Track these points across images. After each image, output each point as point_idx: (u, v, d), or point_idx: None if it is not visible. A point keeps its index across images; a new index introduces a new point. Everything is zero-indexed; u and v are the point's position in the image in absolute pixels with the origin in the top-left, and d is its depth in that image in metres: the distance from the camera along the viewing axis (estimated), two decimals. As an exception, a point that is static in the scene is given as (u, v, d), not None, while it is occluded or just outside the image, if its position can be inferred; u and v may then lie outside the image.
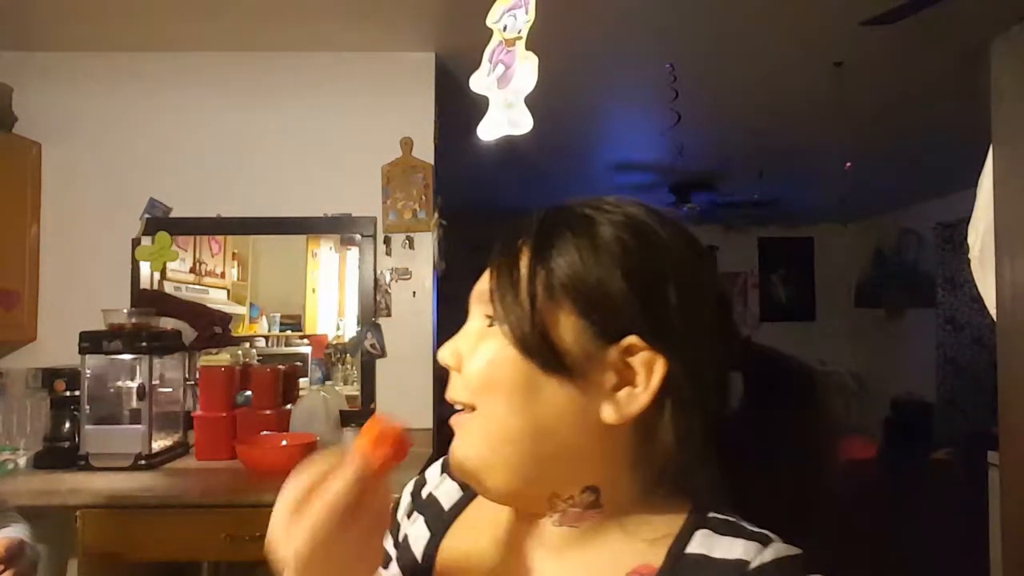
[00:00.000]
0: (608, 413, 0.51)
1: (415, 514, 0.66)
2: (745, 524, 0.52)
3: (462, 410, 0.55)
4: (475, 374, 0.53)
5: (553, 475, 0.53)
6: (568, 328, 0.51)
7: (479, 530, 0.60)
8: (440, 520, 0.64)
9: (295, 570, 0.48)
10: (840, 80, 2.94)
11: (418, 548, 0.63)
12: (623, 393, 0.51)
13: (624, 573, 0.51)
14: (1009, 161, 1.43)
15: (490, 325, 0.54)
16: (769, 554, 0.49)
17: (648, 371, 0.51)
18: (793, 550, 0.49)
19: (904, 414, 6.21)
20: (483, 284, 0.56)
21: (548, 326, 0.51)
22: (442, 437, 2.72)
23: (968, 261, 1.56)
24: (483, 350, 0.54)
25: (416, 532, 0.64)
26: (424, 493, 0.68)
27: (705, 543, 0.51)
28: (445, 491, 0.66)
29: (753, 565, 0.48)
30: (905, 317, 6.50)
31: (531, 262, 0.53)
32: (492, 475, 0.53)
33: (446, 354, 0.56)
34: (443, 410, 2.70)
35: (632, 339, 0.51)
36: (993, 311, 1.47)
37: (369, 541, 0.52)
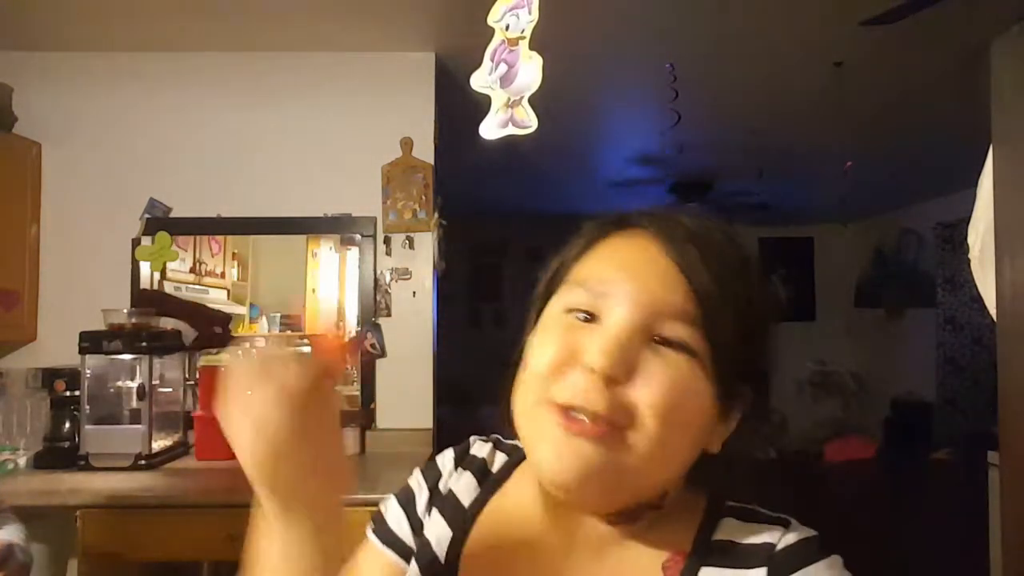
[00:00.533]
0: (715, 442, 0.53)
1: (434, 510, 0.63)
2: (762, 509, 0.54)
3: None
4: (664, 399, 0.49)
5: (663, 485, 0.54)
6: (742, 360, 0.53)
7: (508, 528, 0.59)
8: (461, 517, 0.61)
9: (261, 457, 0.50)
10: (840, 80, 2.94)
11: (440, 548, 0.60)
12: (724, 422, 0.53)
13: (660, 563, 0.53)
14: (1009, 161, 1.43)
15: (657, 342, 0.50)
16: (792, 536, 0.51)
17: (744, 401, 0.54)
18: (811, 532, 0.52)
19: (904, 414, 6.21)
20: (673, 297, 0.51)
21: (742, 364, 0.52)
22: (442, 437, 2.72)
23: (968, 261, 1.56)
24: (668, 375, 0.49)
25: (436, 530, 0.61)
26: (442, 487, 0.65)
27: (730, 529, 0.53)
28: (463, 485, 0.63)
29: (779, 547, 0.50)
30: (905, 317, 6.49)
31: (732, 298, 0.52)
32: (610, 496, 0.52)
33: (616, 361, 0.49)
34: (442, 410, 2.69)
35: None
36: (993, 311, 1.47)
37: (327, 444, 0.51)
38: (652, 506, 0.54)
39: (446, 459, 0.67)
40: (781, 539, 0.51)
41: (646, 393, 0.49)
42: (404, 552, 0.63)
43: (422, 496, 0.65)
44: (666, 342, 0.50)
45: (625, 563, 0.54)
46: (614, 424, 0.49)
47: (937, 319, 5.93)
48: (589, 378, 0.49)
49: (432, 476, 0.66)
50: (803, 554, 0.50)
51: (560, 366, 0.51)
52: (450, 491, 0.64)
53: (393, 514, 0.65)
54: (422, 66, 2.74)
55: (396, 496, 0.67)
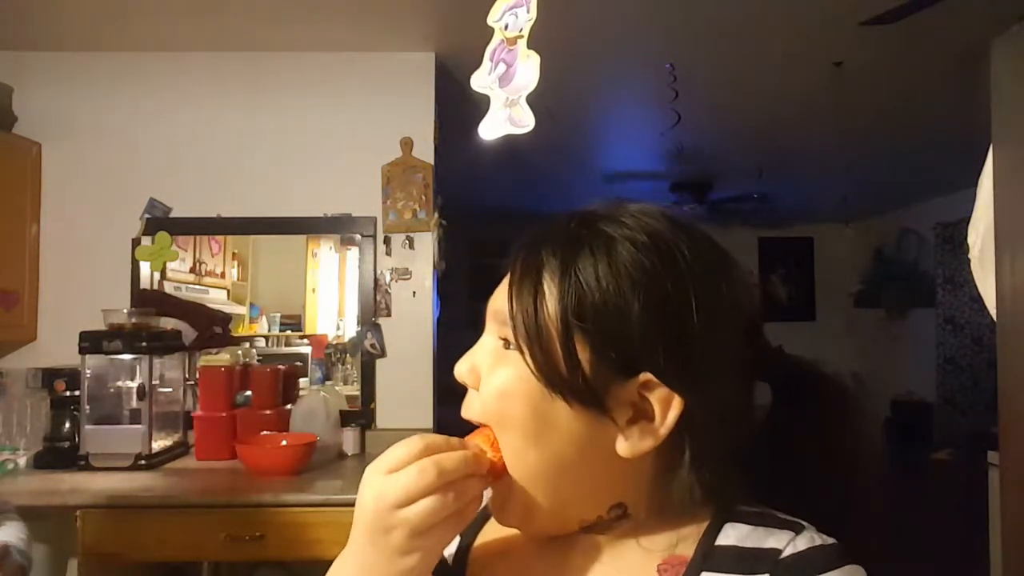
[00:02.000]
0: (622, 447, 0.50)
1: None
2: (776, 513, 0.51)
3: (479, 426, 0.55)
4: (490, 400, 0.53)
5: (578, 502, 0.53)
6: (586, 360, 0.49)
7: (511, 533, 0.60)
8: (471, 524, 0.62)
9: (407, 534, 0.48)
10: (840, 80, 2.94)
11: (448, 550, 0.62)
12: (637, 428, 0.50)
13: (655, 565, 0.51)
14: (1009, 161, 1.43)
15: (506, 347, 0.53)
16: (802, 542, 0.49)
17: (664, 408, 0.50)
18: (827, 540, 0.49)
19: (904, 414, 6.22)
20: (500, 302, 0.54)
21: (567, 358, 0.49)
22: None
23: (968, 261, 1.56)
24: (498, 376, 0.53)
25: None
26: None
27: (735, 534, 0.51)
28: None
29: (785, 554, 0.48)
30: (905, 317, 6.50)
31: (550, 289, 0.50)
32: (528, 519, 0.53)
33: (463, 370, 0.55)
34: (442, 411, 2.69)
35: (648, 376, 0.50)
36: (993, 311, 1.46)
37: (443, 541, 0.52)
38: (618, 517, 0.53)
39: None
40: (789, 544, 0.48)
41: (482, 390, 0.54)
42: None
43: None
44: (507, 345, 0.53)
45: (618, 567, 0.54)
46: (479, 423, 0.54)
47: (937, 319, 5.93)
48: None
49: None
50: (814, 562, 0.47)
51: None
52: None
53: None
54: (422, 66, 2.74)
55: None
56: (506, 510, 0.54)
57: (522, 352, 0.51)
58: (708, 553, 0.50)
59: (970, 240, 1.54)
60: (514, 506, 0.53)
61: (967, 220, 1.56)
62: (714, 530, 0.52)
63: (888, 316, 6.69)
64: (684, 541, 0.52)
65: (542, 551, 0.57)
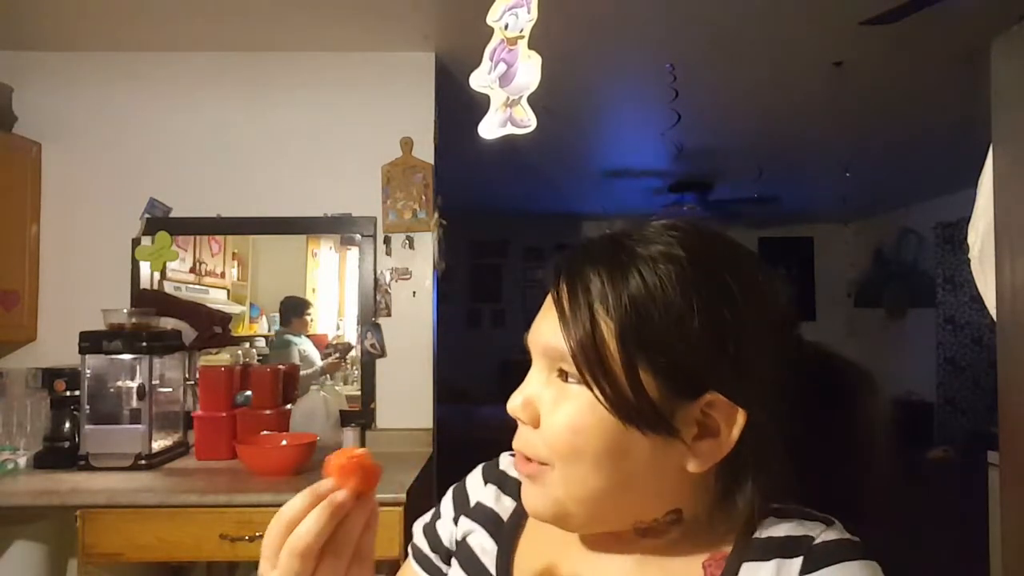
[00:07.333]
0: (693, 465, 0.52)
1: (469, 522, 0.66)
2: (808, 510, 0.54)
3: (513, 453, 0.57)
4: (559, 438, 0.52)
5: (636, 511, 0.55)
6: (651, 385, 0.50)
7: (554, 537, 0.60)
8: (503, 531, 0.64)
9: None
10: (840, 80, 2.94)
11: (488, 560, 0.63)
12: (705, 445, 0.52)
13: (700, 564, 0.54)
14: (1009, 161, 1.43)
15: (564, 379, 0.53)
16: (832, 533, 0.52)
17: (729, 422, 0.51)
18: (854, 537, 0.53)
19: (904, 414, 6.21)
20: (548, 336, 0.53)
21: (633, 387, 0.50)
22: (442, 437, 2.72)
23: (968, 261, 1.56)
24: (566, 412, 0.52)
25: (482, 544, 0.64)
26: (472, 501, 0.68)
27: (770, 527, 0.53)
28: (499, 503, 0.66)
29: (818, 540, 0.51)
30: (905, 317, 6.50)
31: (605, 319, 0.50)
32: (572, 522, 0.55)
33: (518, 407, 0.55)
34: (442, 410, 2.69)
35: (712, 395, 0.51)
36: (993, 311, 1.46)
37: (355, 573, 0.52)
38: (672, 521, 0.55)
39: (476, 476, 0.70)
40: (821, 534, 0.52)
41: (547, 427, 0.53)
42: (435, 572, 0.67)
43: (445, 509, 0.69)
44: (566, 377, 0.53)
45: (663, 567, 0.56)
46: (540, 461, 0.54)
47: (937, 319, 5.93)
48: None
49: (457, 490, 0.70)
50: (841, 551, 0.51)
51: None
52: (481, 505, 0.67)
53: (421, 539, 0.70)
54: (422, 66, 2.74)
55: (424, 522, 0.71)
56: (565, 522, 0.55)
57: (590, 387, 0.51)
58: (746, 546, 0.53)
59: (970, 240, 1.54)
60: (569, 521, 0.54)
61: (967, 220, 1.56)
62: (752, 525, 0.54)
63: (888, 316, 6.69)
64: (725, 539, 0.54)
65: (590, 555, 0.58)
